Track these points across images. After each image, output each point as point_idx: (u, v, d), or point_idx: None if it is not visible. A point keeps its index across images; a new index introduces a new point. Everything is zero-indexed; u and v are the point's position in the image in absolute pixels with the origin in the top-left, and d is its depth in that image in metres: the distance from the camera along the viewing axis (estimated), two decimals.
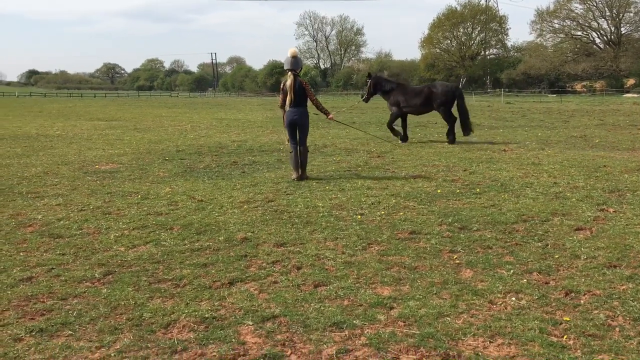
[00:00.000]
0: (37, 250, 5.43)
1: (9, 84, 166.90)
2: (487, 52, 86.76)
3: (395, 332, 3.63)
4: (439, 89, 14.41)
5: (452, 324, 3.75)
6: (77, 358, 3.35)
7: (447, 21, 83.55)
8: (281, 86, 9.22)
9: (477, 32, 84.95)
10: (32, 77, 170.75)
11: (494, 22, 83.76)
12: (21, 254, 5.31)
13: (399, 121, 14.66)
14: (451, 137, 14.21)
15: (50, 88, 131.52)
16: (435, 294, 4.27)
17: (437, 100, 14.17)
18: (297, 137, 9.21)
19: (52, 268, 4.90)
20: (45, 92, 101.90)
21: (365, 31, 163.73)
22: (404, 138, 14.41)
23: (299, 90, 9.05)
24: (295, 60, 9.15)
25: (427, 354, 3.37)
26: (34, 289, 4.41)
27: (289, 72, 9.12)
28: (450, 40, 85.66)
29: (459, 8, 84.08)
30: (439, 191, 7.99)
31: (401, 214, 6.72)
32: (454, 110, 14.34)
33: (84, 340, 3.56)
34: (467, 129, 14.21)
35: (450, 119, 14.35)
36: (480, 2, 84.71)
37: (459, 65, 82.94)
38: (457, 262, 4.99)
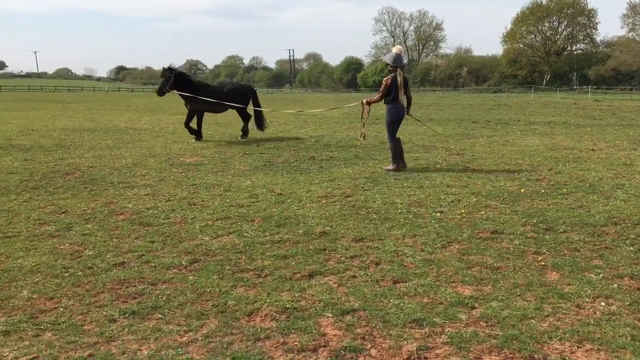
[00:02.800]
0: (128, 237, 5.74)
1: (99, 79, 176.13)
2: (573, 48, 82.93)
3: (477, 332, 3.57)
4: (237, 89, 15.16)
5: (537, 326, 3.65)
6: (167, 340, 3.52)
7: (531, 15, 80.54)
8: (388, 82, 9.38)
9: (563, 26, 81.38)
10: (120, 73, 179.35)
11: (582, 16, 79.91)
12: (114, 240, 5.63)
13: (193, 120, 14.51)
14: (245, 133, 14.99)
15: (137, 83, 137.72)
16: (519, 295, 4.16)
17: (236, 99, 14.55)
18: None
19: (143, 254, 5.16)
20: (133, 88, 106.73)
21: (444, 26, 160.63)
22: (199, 136, 14.35)
23: (405, 87, 9.53)
24: (403, 58, 9.59)
25: (511, 355, 3.30)
26: (126, 274, 4.67)
27: (399, 70, 9.40)
28: (535, 35, 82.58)
29: (544, 1, 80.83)
30: (522, 190, 7.75)
31: (482, 212, 6.57)
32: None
33: (173, 324, 3.74)
34: (261, 124, 15.10)
35: (245, 116, 15.13)
36: None
37: (543, 61, 79.84)
38: (542, 264, 4.83)
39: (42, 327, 3.71)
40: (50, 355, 3.34)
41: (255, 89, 16.05)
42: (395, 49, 9.64)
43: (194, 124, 14.40)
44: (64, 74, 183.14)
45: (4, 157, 11.29)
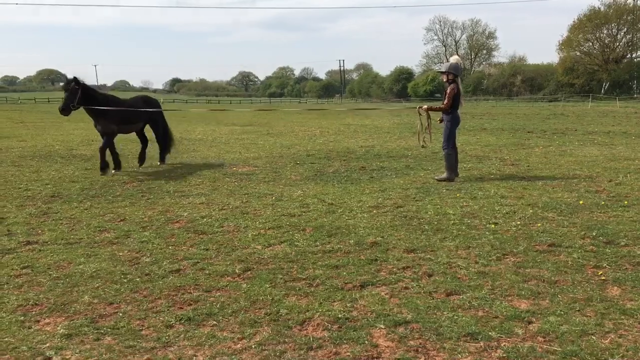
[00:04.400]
0: (183, 244, 5.87)
1: (155, 91, 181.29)
2: (634, 55, 79.95)
3: (534, 347, 3.48)
4: (152, 102, 12.27)
5: (598, 343, 3.52)
6: (222, 347, 3.58)
7: (588, 22, 78.15)
8: (455, 91, 9.39)
9: (623, 33, 78.60)
10: (175, 85, 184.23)
11: None
12: (170, 247, 5.77)
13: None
14: (164, 155, 12.35)
15: (191, 95, 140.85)
16: (579, 310, 4.03)
17: (154, 114, 11.98)
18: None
19: (197, 262, 5.27)
20: (187, 99, 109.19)
21: (497, 34, 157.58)
22: (106, 167, 10.81)
23: None
24: None
25: None
26: (182, 281, 4.78)
27: (459, 78, 9.54)
28: (592, 43, 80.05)
29: (602, 8, 78.40)
30: (581, 202, 7.52)
31: (539, 225, 6.40)
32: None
33: (227, 331, 3.80)
34: (166, 149, 12.42)
35: (163, 134, 12.32)
36: (627, 2, 78.36)
37: (601, 69, 77.25)
38: (603, 278, 4.67)
39: (102, 331, 3.83)
40: (110, 359, 3.45)
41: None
42: (453, 59, 9.75)
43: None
44: (122, 86, 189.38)
45: (66, 167, 11.77)
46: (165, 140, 12.34)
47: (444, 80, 9.62)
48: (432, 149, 13.56)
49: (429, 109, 9.90)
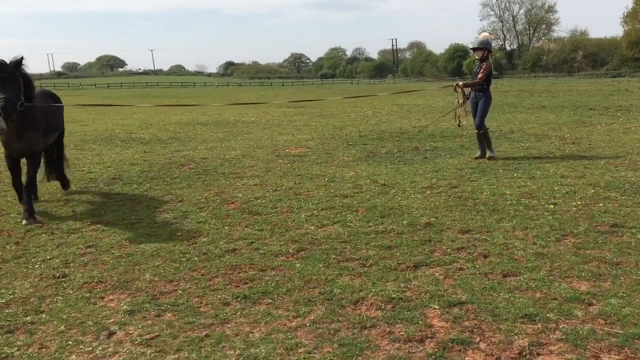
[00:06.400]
0: (239, 225, 5.99)
1: (209, 75, 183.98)
2: None
3: (595, 330, 3.39)
4: (58, 99, 8.00)
5: None
6: (277, 325, 3.65)
7: None
8: (491, 68, 9.41)
9: None
10: (229, 68, 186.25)
11: None
12: (226, 227, 5.90)
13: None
14: (66, 181, 8.19)
15: (244, 78, 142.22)
16: None
17: (59, 117, 7.94)
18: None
19: (252, 242, 5.37)
20: (240, 82, 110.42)
21: (557, 8, 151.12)
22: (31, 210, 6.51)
23: None
24: None
25: (633, 355, 3.10)
26: (237, 260, 4.88)
27: (489, 54, 9.60)
28: None
29: None
30: None
31: (601, 205, 6.18)
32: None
33: (282, 309, 3.87)
34: (61, 172, 8.22)
35: (61, 148, 8.26)
36: None
37: None
38: None
39: (163, 307, 3.97)
40: (170, 335, 3.58)
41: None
42: (484, 35, 9.83)
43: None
44: (177, 71, 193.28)
45: (126, 150, 12.16)
46: (61, 157, 8.26)
47: (478, 57, 9.55)
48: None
49: (465, 85, 9.74)
